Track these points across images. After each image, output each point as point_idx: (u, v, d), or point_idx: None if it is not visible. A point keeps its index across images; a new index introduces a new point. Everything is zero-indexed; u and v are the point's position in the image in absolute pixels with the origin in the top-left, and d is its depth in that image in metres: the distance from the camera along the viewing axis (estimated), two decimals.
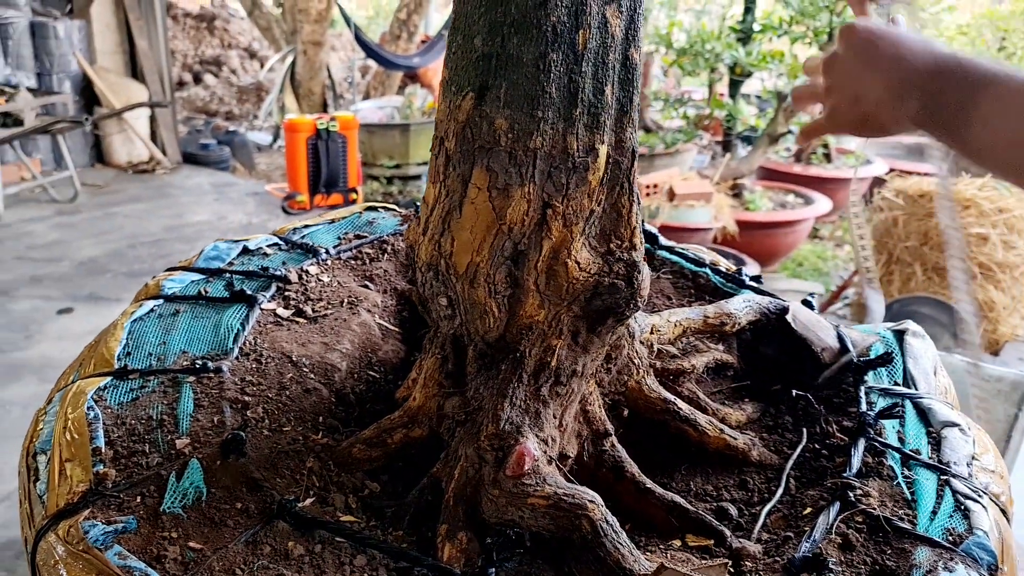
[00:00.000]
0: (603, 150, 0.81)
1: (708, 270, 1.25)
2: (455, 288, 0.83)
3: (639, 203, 0.88)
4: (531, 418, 0.83)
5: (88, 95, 6.25)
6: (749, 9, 5.86)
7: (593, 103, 0.79)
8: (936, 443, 0.94)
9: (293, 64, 7.94)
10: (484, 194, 0.79)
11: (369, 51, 7.62)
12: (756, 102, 7.58)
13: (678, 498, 0.87)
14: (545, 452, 0.83)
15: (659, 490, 0.87)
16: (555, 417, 0.86)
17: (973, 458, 0.92)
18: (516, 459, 0.80)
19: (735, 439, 0.95)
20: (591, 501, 0.77)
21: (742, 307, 1.05)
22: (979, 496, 0.86)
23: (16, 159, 5.54)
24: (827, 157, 6.71)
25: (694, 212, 5.02)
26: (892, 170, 6.44)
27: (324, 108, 7.95)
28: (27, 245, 4.79)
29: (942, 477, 0.89)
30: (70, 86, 6.13)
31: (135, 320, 1.05)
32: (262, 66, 10.31)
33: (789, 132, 5.45)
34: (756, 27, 5.95)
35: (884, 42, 0.74)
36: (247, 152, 6.98)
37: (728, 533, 0.84)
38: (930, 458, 0.92)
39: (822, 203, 5.91)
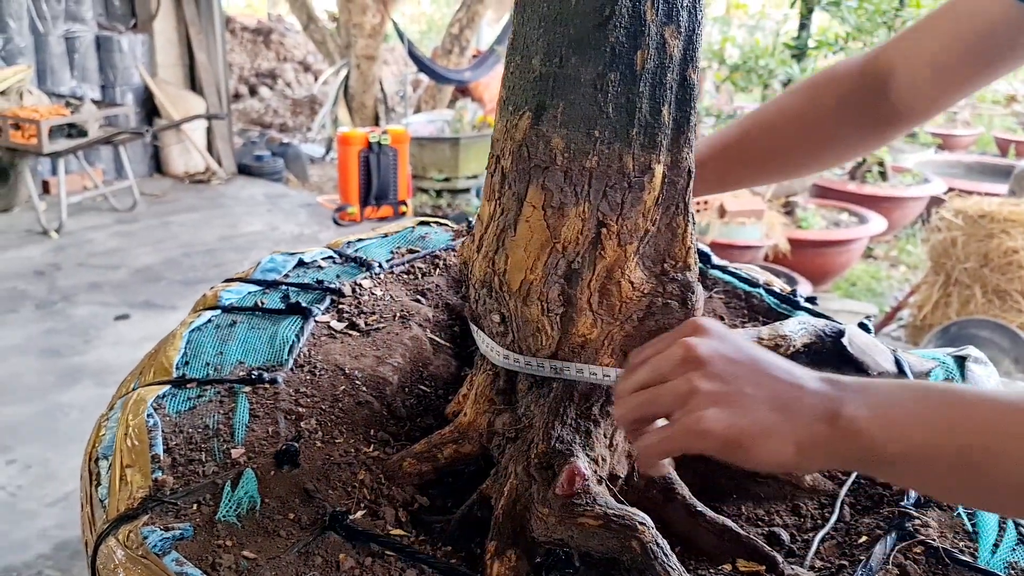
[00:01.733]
0: (659, 170, 0.81)
1: (761, 290, 1.24)
2: (508, 305, 0.83)
3: (694, 223, 0.87)
4: (582, 437, 0.83)
5: (149, 107, 6.42)
6: (804, 25, 5.80)
7: (650, 123, 0.79)
8: None
9: (347, 78, 8.06)
10: (539, 213, 0.79)
11: (421, 65, 7.70)
12: None
13: (729, 522, 0.86)
14: (595, 472, 0.82)
15: (710, 513, 0.86)
16: (606, 437, 0.85)
17: None
18: (567, 478, 0.79)
19: None
20: (642, 523, 0.77)
21: (797, 329, 1.04)
22: None
23: (80, 169, 5.70)
24: (883, 175, 6.59)
25: (745, 229, 4.98)
26: (951, 189, 6.31)
27: (376, 121, 8.05)
28: (88, 252, 4.93)
29: None
30: (132, 98, 6.31)
31: (193, 330, 1.07)
32: (316, 79, 10.48)
33: None
34: (811, 43, 5.89)
35: (748, 368, 0.68)
36: (300, 164, 7.10)
37: (780, 559, 0.83)
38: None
39: (876, 222, 5.82)
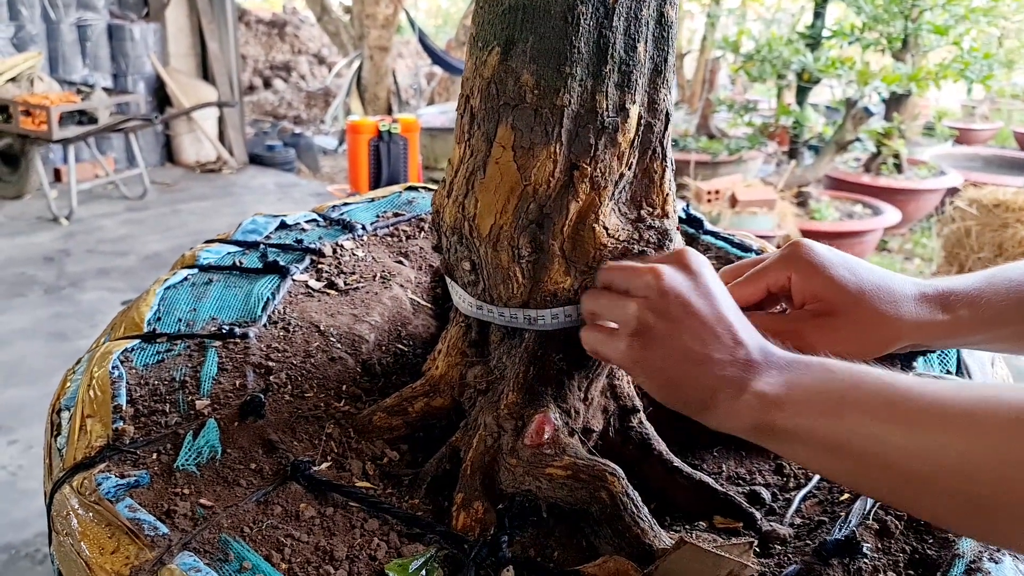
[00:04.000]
0: (634, 110, 0.78)
1: (754, 255, 1.21)
2: (478, 252, 0.81)
3: (673, 169, 0.84)
4: (554, 388, 0.81)
5: (160, 96, 6.43)
6: (819, 14, 5.74)
7: (624, 60, 0.76)
8: None
9: (359, 69, 8.05)
10: (508, 153, 0.76)
11: (434, 56, 7.69)
12: (824, 111, 7.41)
13: (707, 478, 0.83)
14: (567, 424, 0.80)
15: (687, 469, 0.83)
16: (580, 389, 0.82)
17: None
18: (535, 428, 0.77)
19: None
20: (611, 473, 0.74)
21: None
22: None
23: (91, 157, 5.72)
24: (898, 168, 6.52)
25: (756, 219, 4.93)
26: (967, 181, 6.23)
27: (389, 113, 8.04)
28: (97, 239, 4.94)
29: None
30: (144, 87, 6.33)
31: (168, 287, 1.05)
32: (330, 71, 10.49)
33: (857, 140, 5.31)
34: (826, 33, 5.83)
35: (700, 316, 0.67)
36: (312, 155, 7.10)
37: (758, 515, 0.80)
38: None
39: (890, 214, 5.75)
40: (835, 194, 6.13)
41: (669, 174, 0.83)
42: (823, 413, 0.59)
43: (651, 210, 0.82)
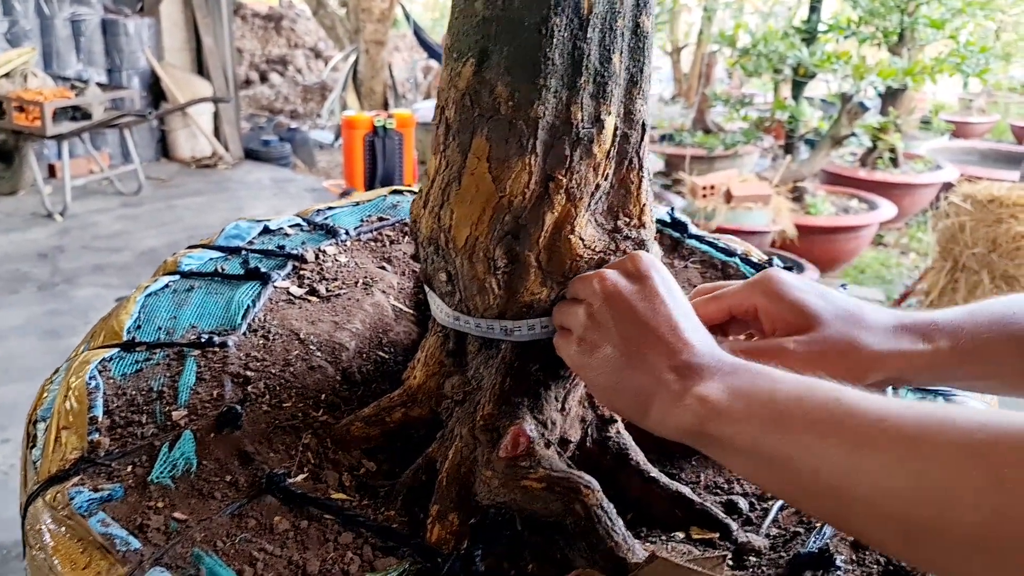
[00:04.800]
0: (610, 121, 0.77)
1: (738, 260, 1.20)
2: (454, 263, 0.80)
3: (650, 179, 0.84)
4: (530, 400, 0.80)
5: (155, 91, 6.42)
6: (815, 9, 5.72)
7: (599, 71, 0.76)
8: None
9: (355, 63, 8.03)
10: (484, 165, 0.76)
11: (429, 50, 7.67)
12: (820, 105, 7.41)
13: (684, 489, 0.83)
14: (543, 435, 0.79)
15: (664, 479, 0.83)
16: (557, 400, 0.82)
17: None
18: (511, 440, 0.77)
19: None
20: (586, 486, 0.74)
21: None
22: None
23: (86, 153, 5.71)
24: (894, 162, 6.51)
25: (751, 215, 4.93)
26: (963, 175, 6.22)
27: (385, 107, 8.03)
28: (92, 235, 4.93)
29: None
30: (138, 82, 6.31)
31: (149, 294, 1.05)
32: (327, 65, 10.46)
33: (853, 135, 5.31)
34: (821, 27, 5.81)
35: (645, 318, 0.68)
36: (307, 149, 7.09)
37: (734, 526, 0.80)
38: None
39: (886, 209, 5.75)
40: (831, 189, 6.12)
41: (646, 184, 0.83)
42: (763, 424, 0.58)
43: (628, 220, 0.82)
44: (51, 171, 5.87)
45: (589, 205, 0.79)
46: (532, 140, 0.75)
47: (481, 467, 0.77)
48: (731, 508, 0.85)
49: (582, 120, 0.76)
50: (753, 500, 0.87)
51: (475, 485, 0.78)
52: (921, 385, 0.69)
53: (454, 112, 0.77)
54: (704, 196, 4.94)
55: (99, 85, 5.65)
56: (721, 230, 4.88)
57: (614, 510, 0.75)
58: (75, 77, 5.90)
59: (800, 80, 5.67)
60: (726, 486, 0.88)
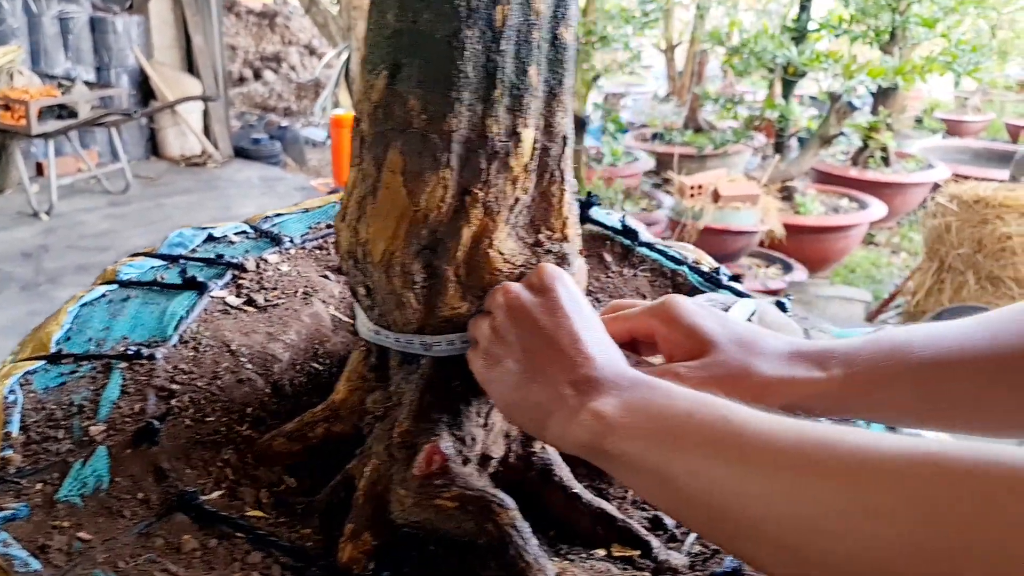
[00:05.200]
0: (528, 134, 0.76)
1: (686, 268, 1.19)
2: (372, 277, 0.79)
3: (573, 192, 0.83)
4: (449, 416, 0.79)
5: (145, 89, 6.40)
6: (804, 7, 5.70)
7: (515, 84, 0.74)
8: None
9: (347, 61, 8.01)
10: (398, 178, 0.75)
11: None
12: (810, 103, 7.39)
13: (607, 505, 0.82)
14: (461, 452, 0.78)
15: (587, 496, 0.82)
16: (479, 415, 0.81)
17: None
18: (425, 458, 0.75)
19: None
20: (500, 504, 0.73)
21: None
22: None
23: (74, 151, 5.70)
24: (885, 161, 6.50)
25: (739, 214, 4.92)
26: (956, 175, 6.21)
27: None
28: (78, 235, 4.92)
29: None
30: (127, 80, 6.29)
31: (84, 305, 1.03)
32: (320, 62, 10.43)
33: (842, 134, 5.30)
34: (812, 26, 5.79)
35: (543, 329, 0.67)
36: (298, 148, 7.08)
37: (656, 544, 0.79)
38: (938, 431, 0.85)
39: (877, 208, 5.74)
40: (822, 188, 6.12)
41: (568, 197, 0.82)
42: (654, 441, 0.57)
43: (550, 234, 0.81)
44: (39, 169, 5.86)
45: (508, 219, 0.78)
46: (447, 154, 0.74)
47: (396, 485, 0.76)
48: (657, 524, 0.84)
49: (498, 133, 0.75)
50: None
51: (391, 504, 0.77)
52: (821, 415, 0.67)
53: (368, 125, 0.76)
54: (692, 196, 4.93)
55: (87, 83, 5.63)
56: (709, 230, 4.88)
57: (528, 529, 0.73)
58: (63, 75, 5.89)
59: (790, 79, 5.65)
60: None
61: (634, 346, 0.77)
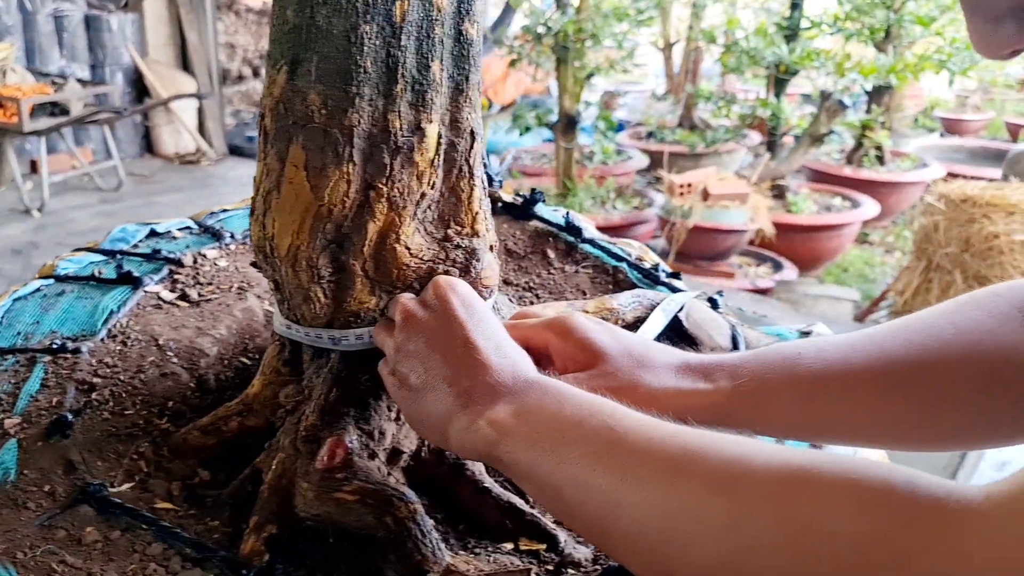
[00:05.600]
0: (432, 129, 0.76)
1: (626, 264, 1.19)
2: (280, 271, 0.80)
3: (484, 187, 0.83)
4: (357, 409, 0.80)
5: (139, 87, 6.41)
6: (796, 5, 5.69)
7: (417, 79, 0.75)
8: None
9: None
10: (301, 173, 0.75)
11: None
12: (806, 101, 7.37)
13: (516, 499, 0.82)
14: (367, 446, 0.79)
15: (497, 490, 0.83)
16: (390, 409, 0.82)
17: None
18: (328, 451, 0.76)
19: None
20: (399, 498, 0.73)
21: (629, 302, 0.99)
22: None
23: (67, 149, 5.71)
24: (880, 160, 6.48)
25: (728, 213, 4.91)
26: (951, 174, 6.19)
27: None
28: (68, 232, 4.93)
29: None
30: (122, 78, 6.30)
31: (16, 299, 1.04)
32: None
33: (832, 133, 5.28)
34: (804, 23, 5.78)
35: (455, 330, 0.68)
36: None
37: (562, 538, 0.79)
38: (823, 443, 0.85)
39: (869, 207, 5.72)
40: (815, 187, 6.10)
41: (479, 192, 0.82)
42: (541, 451, 0.57)
43: (459, 229, 0.81)
44: (33, 167, 5.87)
45: (415, 214, 0.79)
46: (348, 148, 0.74)
47: (299, 478, 0.76)
48: None
49: (401, 129, 0.75)
50: None
51: (295, 497, 0.77)
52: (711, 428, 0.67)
53: (271, 120, 0.77)
54: (681, 194, 4.93)
55: (80, 81, 5.65)
56: (698, 228, 4.87)
57: (429, 523, 0.74)
58: (57, 73, 5.90)
59: (781, 77, 5.64)
60: None
61: (541, 359, 0.77)
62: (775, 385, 0.66)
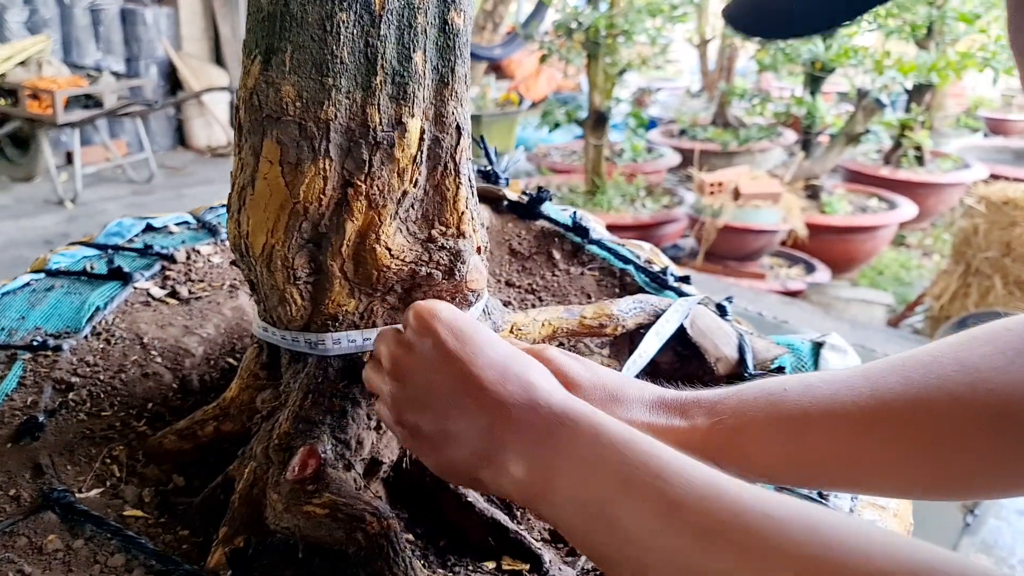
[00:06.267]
0: (414, 124, 0.72)
1: (632, 267, 1.15)
2: (256, 271, 0.76)
3: (471, 186, 0.79)
4: (334, 417, 0.76)
5: (173, 80, 6.45)
6: None
7: (399, 71, 0.71)
8: None
9: None
10: (276, 168, 0.72)
11: None
12: (842, 100, 7.23)
13: (500, 515, 0.78)
14: (343, 456, 0.75)
15: (481, 505, 0.78)
16: (369, 418, 0.78)
17: None
18: (299, 461, 0.72)
19: None
20: (372, 513, 0.69)
21: (630, 308, 0.94)
22: None
23: (101, 141, 5.77)
24: (919, 160, 6.33)
25: (760, 213, 4.82)
26: (994, 175, 6.03)
27: None
28: (99, 223, 4.95)
29: None
30: (156, 71, 6.35)
31: (4, 293, 1.02)
32: None
33: (868, 132, 5.16)
34: None
35: (462, 360, 0.60)
36: None
37: (547, 558, 0.75)
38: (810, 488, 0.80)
39: (907, 208, 5.58)
40: (851, 187, 5.97)
41: (465, 191, 0.78)
42: (590, 516, 0.51)
43: (444, 229, 0.77)
44: (68, 158, 5.93)
45: (397, 213, 0.75)
46: (325, 143, 0.71)
47: (270, 489, 0.73)
48: (556, 537, 0.80)
49: (380, 123, 0.71)
50: None
51: (266, 508, 0.73)
52: None
53: (245, 113, 0.73)
54: (712, 193, 4.84)
55: (114, 74, 5.69)
56: (728, 228, 4.78)
57: (402, 540, 0.70)
58: (92, 66, 5.96)
59: (817, 75, 5.52)
60: None
61: None
62: (757, 423, 0.60)
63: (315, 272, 0.75)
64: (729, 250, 4.86)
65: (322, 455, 0.73)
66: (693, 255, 5.00)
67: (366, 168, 0.72)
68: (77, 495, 0.76)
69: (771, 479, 0.63)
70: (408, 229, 0.76)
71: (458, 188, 0.77)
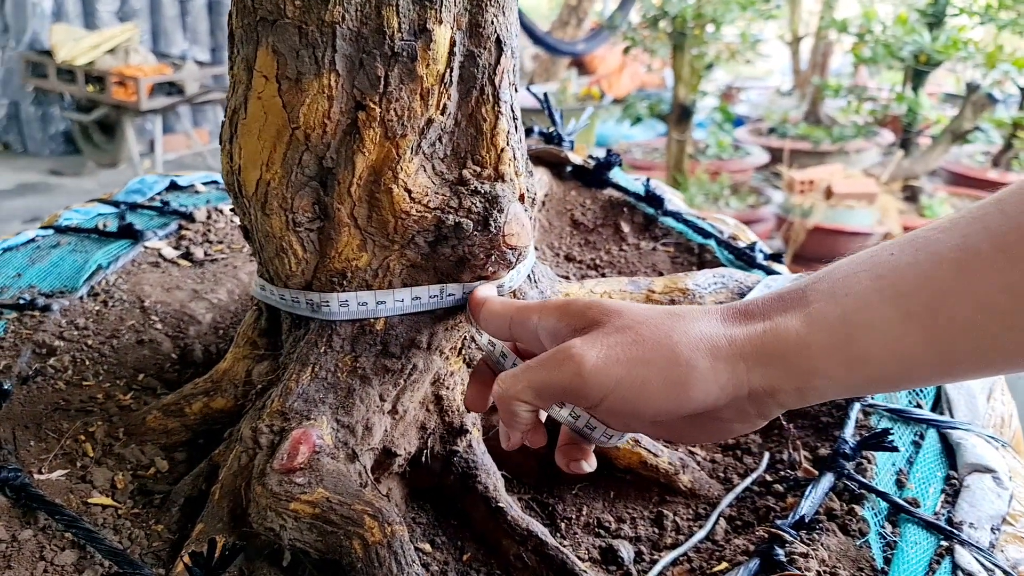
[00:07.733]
0: (442, 33, 0.58)
1: (713, 242, 0.98)
2: (250, 214, 0.63)
3: (515, 117, 0.64)
4: (337, 396, 0.62)
5: None
6: None
7: None
8: (953, 494, 0.65)
9: None
10: (272, 86, 0.58)
11: (533, 36, 7.48)
12: (946, 100, 6.82)
13: (538, 527, 0.63)
14: (347, 444, 0.61)
15: (514, 513, 0.63)
16: (383, 399, 0.64)
17: (1004, 521, 0.62)
18: (290, 447, 0.59)
19: (656, 456, 0.69)
20: (372, 516, 0.55)
21: (709, 282, 0.78)
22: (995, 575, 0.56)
23: (183, 130, 5.83)
24: None
25: (853, 213, 4.53)
26: None
27: None
28: None
29: (944, 542, 0.60)
30: None
31: (5, 249, 0.92)
32: None
33: (977, 130, 4.81)
34: (951, 10, 5.30)
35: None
36: None
37: None
38: (935, 514, 0.63)
39: None
40: (954, 190, 5.60)
41: (506, 123, 0.63)
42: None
43: (478, 170, 0.62)
44: (152, 146, 6.01)
45: (420, 146, 0.60)
46: (330, 53, 0.57)
47: (255, 479, 0.59)
48: (609, 556, 0.64)
49: (399, 29, 0.57)
50: (645, 547, 0.66)
51: (249, 502, 0.60)
52: (812, 402, 0.45)
53: (237, 16, 0.60)
54: (802, 191, 4.58)
55: (198, 63, 5.73)
56: (819, 229, 4.51)
57: (410, 551, 0.56)
58: (179, 55, 6.03)
59: (921, 69, 5.18)
60: (612, 525, 0.68)
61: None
62: (871, 305, 0.43)
63: (319, 217, 0.61)
64: (819, 252, 4.58)
65: (317, 441, 0.59)
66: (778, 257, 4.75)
67: (381, 87, 0.57)
68: (36, 476, 0.64)
69: (900, 376, 0.44)
70: (434, 167, 0.62)
71: (497, 119, 0.62)
